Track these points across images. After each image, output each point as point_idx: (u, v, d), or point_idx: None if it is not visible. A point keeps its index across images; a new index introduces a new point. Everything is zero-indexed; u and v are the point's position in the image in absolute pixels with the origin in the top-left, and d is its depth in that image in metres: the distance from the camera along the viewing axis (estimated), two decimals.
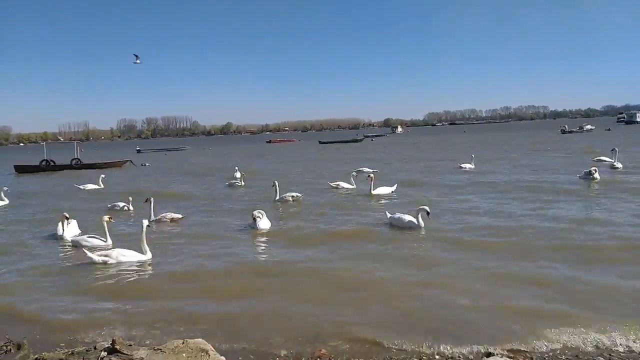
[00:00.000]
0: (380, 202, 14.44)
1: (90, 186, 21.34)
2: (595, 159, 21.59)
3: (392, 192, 15.50)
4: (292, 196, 14.51)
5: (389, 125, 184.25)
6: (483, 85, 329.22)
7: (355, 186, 16.94)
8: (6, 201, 17.09)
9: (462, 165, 22.13)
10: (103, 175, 22.57)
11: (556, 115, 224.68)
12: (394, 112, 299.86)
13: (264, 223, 10.94)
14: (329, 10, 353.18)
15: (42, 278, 8.11)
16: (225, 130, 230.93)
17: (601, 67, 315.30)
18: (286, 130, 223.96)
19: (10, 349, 4.63)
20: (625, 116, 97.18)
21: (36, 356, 4.51)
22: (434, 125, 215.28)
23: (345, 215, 12.43)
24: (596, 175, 15.79)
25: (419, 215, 10.21)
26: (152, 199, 12.81)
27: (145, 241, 8.81)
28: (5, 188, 17.66)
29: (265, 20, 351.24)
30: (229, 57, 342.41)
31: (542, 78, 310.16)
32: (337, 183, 17.22)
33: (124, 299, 6.90)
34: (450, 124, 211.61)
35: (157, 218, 12.32)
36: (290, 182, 19.52)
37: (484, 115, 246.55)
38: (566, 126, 69.33)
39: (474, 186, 16.49)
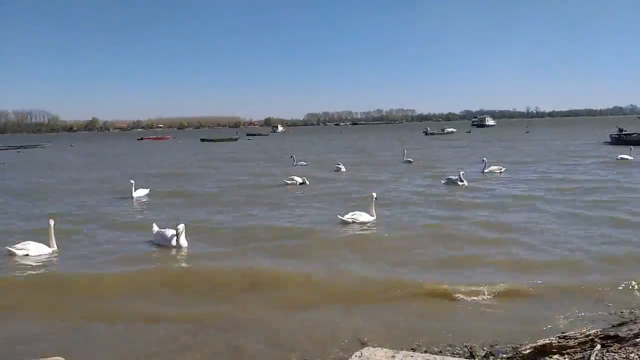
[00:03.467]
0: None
1: None
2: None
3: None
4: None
5: (269, 124, 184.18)
6: (359, 89, 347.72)
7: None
8: None
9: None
10: None
11: (422, 118, 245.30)
12: (274, 112, 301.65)
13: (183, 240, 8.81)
14: (210, 8, 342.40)
15: None
16: (90, 126, 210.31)
17: (460, 75, 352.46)
18: (160, 127, 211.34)
19: None
20: (478, 120, 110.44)
21: None
22: (318, 124, 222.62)
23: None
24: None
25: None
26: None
27: None
28: None
29: (133, 6, 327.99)
30: (94, 46, 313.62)
31: (410, 84, 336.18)
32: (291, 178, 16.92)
33: None
34: (336, 124, 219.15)
35: None
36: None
37: (359, 116, 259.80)
38: (428, 128, 75.69)
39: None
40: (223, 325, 5.60)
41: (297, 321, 5.69)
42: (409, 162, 24.36)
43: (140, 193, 15.18)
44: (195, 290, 6.83)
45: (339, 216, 10.56)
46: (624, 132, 34.73)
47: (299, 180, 16.64)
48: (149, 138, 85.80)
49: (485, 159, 19.64)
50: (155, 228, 9.35)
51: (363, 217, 10.52)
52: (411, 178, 18.30)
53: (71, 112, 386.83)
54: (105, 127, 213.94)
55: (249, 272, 7.36)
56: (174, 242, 8.71)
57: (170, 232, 8.87)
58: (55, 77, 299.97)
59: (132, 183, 14.95)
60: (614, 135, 34.69)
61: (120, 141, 78.88)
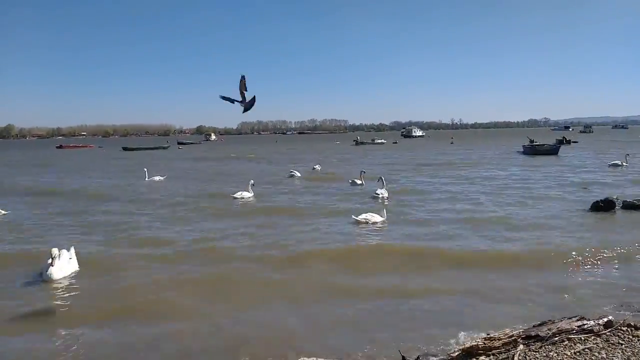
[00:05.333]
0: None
1: None
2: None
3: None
4: None
5: (201, 132, 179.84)
6: (293, 99, 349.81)
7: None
8: None
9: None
10: None
11: (354, 128, 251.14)
12: (207, 120, 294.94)
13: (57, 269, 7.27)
14: (138, 16, 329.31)
15: None
16: (4, 133, 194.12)
17: (389, 87, 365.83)
18: (83, 134, 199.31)
19: None
20: (406, 131, 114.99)
21: None
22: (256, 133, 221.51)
23: None
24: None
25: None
26: None
27: None
28: None
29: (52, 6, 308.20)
30: (12, 47, 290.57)
31: (343, 95, 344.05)
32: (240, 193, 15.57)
33: None
34: (276, 133, 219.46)
35: None
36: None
37: (293, 125, 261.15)
38: (358, 137, 77.91)
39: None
40: None
41: None
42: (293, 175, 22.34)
43: None
44: None
45: (353, 217, 11.09)
46: (534, 144, 39.27)
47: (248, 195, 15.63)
48: (70, 146, 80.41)
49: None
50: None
51: (375, 217, 11.09)
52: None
53: None
54: (22, 135, 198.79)
55: None
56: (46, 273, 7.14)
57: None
58: None
59: None
60: (526, 146, 38.77)
61: (39, 150, 73.20)
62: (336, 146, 64.48)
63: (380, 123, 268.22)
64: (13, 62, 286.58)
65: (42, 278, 7.21)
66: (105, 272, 7.67)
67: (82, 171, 29.43)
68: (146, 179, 22.16)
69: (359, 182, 17.97)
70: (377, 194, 14.93)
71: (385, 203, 12.02)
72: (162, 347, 5.17)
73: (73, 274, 7.47)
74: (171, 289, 6.86)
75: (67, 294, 6.74)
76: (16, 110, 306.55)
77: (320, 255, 8.51)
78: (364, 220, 10.98)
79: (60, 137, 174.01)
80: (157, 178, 22.40)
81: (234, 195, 15.46)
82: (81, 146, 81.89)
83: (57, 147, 76.20)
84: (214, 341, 5.28)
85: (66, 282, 7.17)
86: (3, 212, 13.20)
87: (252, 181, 16.21)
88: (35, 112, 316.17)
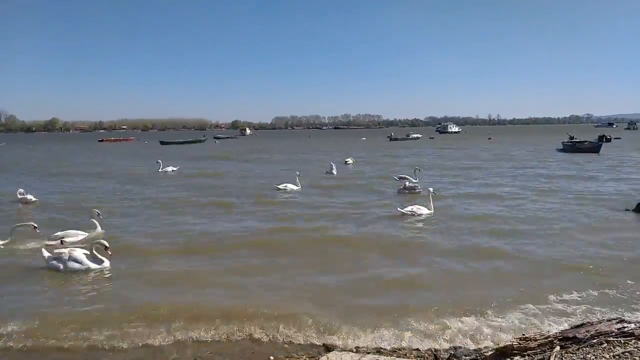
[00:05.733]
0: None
1: None
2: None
3: None
4: None
5: (237, 127, 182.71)
6: (326, 94, 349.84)
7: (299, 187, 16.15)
8: None
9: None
10: None
11: (388, 123, 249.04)
12: (242, 115, 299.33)
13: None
14: (178, 7, 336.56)
15: None
16: (49, 126, 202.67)
17: (425, 82, 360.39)
18: (124, 128, 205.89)
19: None
20: (441, 127, 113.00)
21: None
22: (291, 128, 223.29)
23: None
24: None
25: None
26: None
27: None
28: None
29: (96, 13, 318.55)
30: (55, 43, 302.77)
31: (377, 90, 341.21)
32: (284, 185, 16.13)
33: None
34: (316, 127, 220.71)
35: None
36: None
37: (326, 120, 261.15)
38: (392, 134, 76.34)
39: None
40: None
41: None
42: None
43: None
44: None
45: (399, 209, 11.23)
46: (574, 140, 36.70)
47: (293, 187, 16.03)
48: (111, 140, 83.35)
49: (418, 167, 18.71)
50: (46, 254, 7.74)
51: (422, 210, 11.21)
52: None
53: (30, 112, 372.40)
54: (65, 128, 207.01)
55: None
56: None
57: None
58: (13, 75, 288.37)
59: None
60: (566, 143, 36.57)
61: (79, 143, 76.25)
62: (374, 142, 63.86)
63: (415, 118, 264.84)
64: (58, 56, 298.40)
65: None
66: None
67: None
68: (160, 170, 22.91)
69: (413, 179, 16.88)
70: (402, 178, 15.91)
71: (435, 194, 12.06)
72: None
73: None
74: None
75: None
76: (61, 104, 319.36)
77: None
78: (410, 212, 11.11)
79: (102, 131, 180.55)
80: (169, 169, 23.03)
81: (278, 186, 16.01)
82: (121, 139, 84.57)
83: (99, 141, 79.10)
84: None
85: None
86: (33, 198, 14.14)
87: (299, 172, 17.05)
88: (78, 106, 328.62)
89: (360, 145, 53.37)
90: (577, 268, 7.30)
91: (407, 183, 15.68)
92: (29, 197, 14.08)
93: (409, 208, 11.26)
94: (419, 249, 8.62)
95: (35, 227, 8.99)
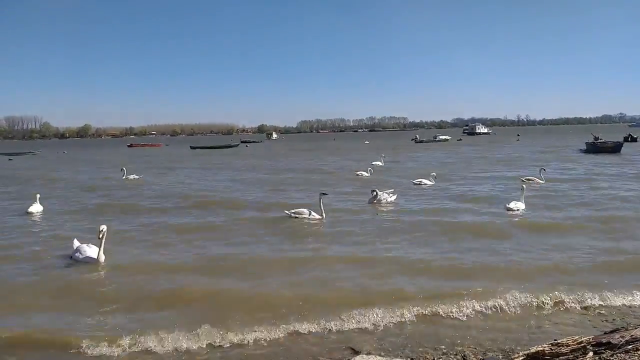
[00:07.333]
0: None
1: None
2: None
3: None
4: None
5: (263, 131, 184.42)
6: (351, 96, 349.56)
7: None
8: None
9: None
10: None
11: (414, 125, 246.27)
12: (267, 119, 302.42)
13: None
14: (205, 12, 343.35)
15: None
16: (82, 132, 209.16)
17: (451, 83, 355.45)
18: (153, 134, 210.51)
19: None
20: (469, 128, 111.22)
21: None
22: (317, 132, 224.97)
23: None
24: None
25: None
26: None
27: None
28: None
29: (129, 14, 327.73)
30: (87, 51, 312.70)
31: (402, 92, 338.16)
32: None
33: None
34: (341, 131, 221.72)
35: None
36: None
37: (351, 124, 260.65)
38: (417, 136, 74.68)
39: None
40: None
41: None
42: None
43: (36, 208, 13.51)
44: None
45: (507, 205, 11.94)
46: (598, 140, 35.50)
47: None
48: (140, 145, 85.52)
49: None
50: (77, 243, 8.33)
51: (519, 205, 11.89)
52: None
53: (63, 118, 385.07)
54: (97, 134, 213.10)
55: None
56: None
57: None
58: (47, 83, 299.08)
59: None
60: (589, 143, 35.55)
61: (110, 148, 78.37)
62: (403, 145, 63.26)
63: (442, 120, 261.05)
64: (91, 63, 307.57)
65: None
66: None
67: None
68: (123, 177, 22.29)
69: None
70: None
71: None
72: None
73: None
74: None
75: None
76: (93, 111, 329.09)
77: None
78: (515, 207, 11.77)
79: (132, 136, 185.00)
80: (132, 177, 22.36)
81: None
82: (150, 145, 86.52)
83: (127, 146, 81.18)
84: None
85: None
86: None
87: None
88: (110, 113, 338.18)
89: (392, 147, 53.07)
90: None
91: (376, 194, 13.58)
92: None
93: (513, 204, 11.88)
94: None
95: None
